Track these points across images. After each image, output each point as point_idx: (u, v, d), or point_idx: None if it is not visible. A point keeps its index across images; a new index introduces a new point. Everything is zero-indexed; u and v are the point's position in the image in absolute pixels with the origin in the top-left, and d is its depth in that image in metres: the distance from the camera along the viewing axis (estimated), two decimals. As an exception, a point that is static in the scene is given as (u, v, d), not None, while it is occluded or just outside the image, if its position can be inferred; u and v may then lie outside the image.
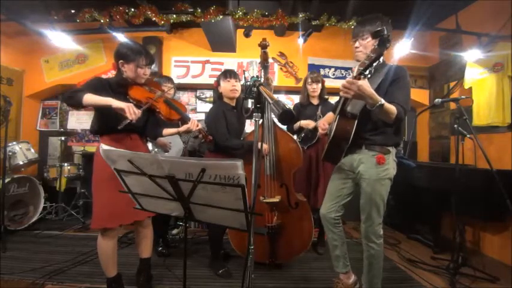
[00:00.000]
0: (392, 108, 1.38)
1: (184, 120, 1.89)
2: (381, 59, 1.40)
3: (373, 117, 1.53)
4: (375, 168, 1.58)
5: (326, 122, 1.85)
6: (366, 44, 1.54)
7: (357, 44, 1.58)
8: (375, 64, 1.29)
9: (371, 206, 1.60)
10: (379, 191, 1.58)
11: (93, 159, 1.73)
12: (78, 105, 1.47)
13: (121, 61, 1.65)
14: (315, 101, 2.72)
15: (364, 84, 1.28)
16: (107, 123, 1.61)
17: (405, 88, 1.52)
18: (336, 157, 1.73)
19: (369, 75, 1.31)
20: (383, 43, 1.19)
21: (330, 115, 1.94)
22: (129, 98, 1.66)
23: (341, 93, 1.35)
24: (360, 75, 1.29)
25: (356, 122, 1.52)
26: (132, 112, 1.44)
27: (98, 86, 1.61)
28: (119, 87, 1.68)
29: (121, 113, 1.46)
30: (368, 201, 1.61)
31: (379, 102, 1.31)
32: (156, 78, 2.55)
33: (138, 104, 1.64)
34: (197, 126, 1.88)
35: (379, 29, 1.22)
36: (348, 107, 1.53)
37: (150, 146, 2.40)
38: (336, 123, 1.57)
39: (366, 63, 1.26)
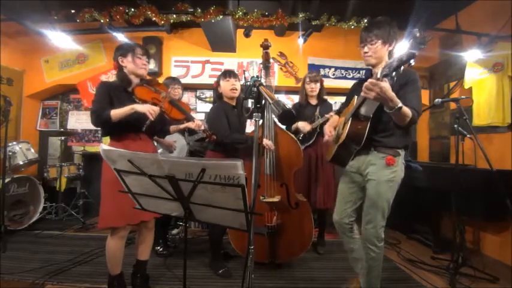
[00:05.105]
0: (408, 111, 1.39)
1: (188, 119, 1.99)
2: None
3: (384, 119, 1.53)
4: (384, 170, 1.56)
5: (332, 128, 1.83)
6: (375, 49, 1.55)
7: (365, 49, 1.58)
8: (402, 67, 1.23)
9: (376, 208, 1.57)
10: (386, 193, 1.56)
11: (97, 159, 1.75)
12: (108, 123, 1.61)
13: (120, 57, 1.73)
14: (314, 101, 2.72)
15: (387, 86, 1.27)
16: (117, 125, 1.64)
17: (417, 91, 1.53)
18: (345, 160, 1.72)
19: (395, 78, 1.27)
20: (416, 45, 1.15)
21: (335, 118, 1.93)
22: (134, 98, 1.72)
23: (362, 94, 1.35)
24: (385, 77, 1.26)
25: (369, 124, 1.53)
26: (151, 112, 1.63)
27: (107, 91, 1.68)
28: (122, 84, 1.75)
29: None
30: (373, 203, 1.58)
31: (398, 105, 1.32)
32: (164, 80, 2.63)
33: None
34: (199, 126, 1.97)
35: (411, 31, 1.17)
36: (362, 109, 1.53)
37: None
38: (348, 125, 1.57)
39: (394, 65, 1.21)
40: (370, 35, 1.54)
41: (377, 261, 1.63)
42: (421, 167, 3.01)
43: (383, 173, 1.56)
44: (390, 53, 1.58)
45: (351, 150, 1.66)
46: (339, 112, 1.94)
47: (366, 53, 1.58)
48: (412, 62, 1.17)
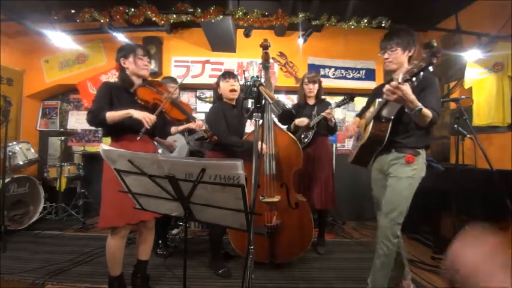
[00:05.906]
0: (428, 112, 1.45)
1: (190, 120, 2.00)
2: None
3: (404, 121, 1.60)
4: (404, 168, 1.62)
5: (355, 126, 1.91)
6: (395, 55, 1.62)
7: (386, 56, 1.66)
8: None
9: (394, 204, 1.61)
10: (405, 190, 1.61)
11: (97, 159, 1.76)
12: (103, 125, 1.63)
13: (122, 59, 1.75)
14: (311, 101, 2.72)
15: (408, 89, 1.36)
16: (117, 126, 1.65)
17: (437, 94, 1.60)
18: (367, 160, 1.80)
19: (416, 83, 1.37)
20: (433, 54, 1.25)
21: (356, 120, 1.99)
22: (137, 99, 1.73)
23: (384, 96, 1.44)
24: (406, 81, 1.35)
25: (390, 125, 1.60)
26: (147, 120, 1.62)
27: (109, 92, 1.69)
28: (124, 85, 1.76)
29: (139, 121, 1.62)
30: (392, 199, 1.62)
31: (418, 107, 1.39)
32: (162, 80, 2.64)
33: (146, 105, 1.74)
34: (201, 127, 1.97)
35: (428, 41, 1.33)
36: (383, 111, 1.61)
37: None
38: (370, 126, 1.65)
39: (415, 71, 1.31)
40: (390, 43, 1.63)
41: (388, 259, 1.64)
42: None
43: (403, 170, 1.62)
44: (410, 59, 1.65)
45: (373, 151, 1.73)
46: (360, 115, 2.00)
47: (386, 59, 1.67)
48: (430, 68, 1.28)
